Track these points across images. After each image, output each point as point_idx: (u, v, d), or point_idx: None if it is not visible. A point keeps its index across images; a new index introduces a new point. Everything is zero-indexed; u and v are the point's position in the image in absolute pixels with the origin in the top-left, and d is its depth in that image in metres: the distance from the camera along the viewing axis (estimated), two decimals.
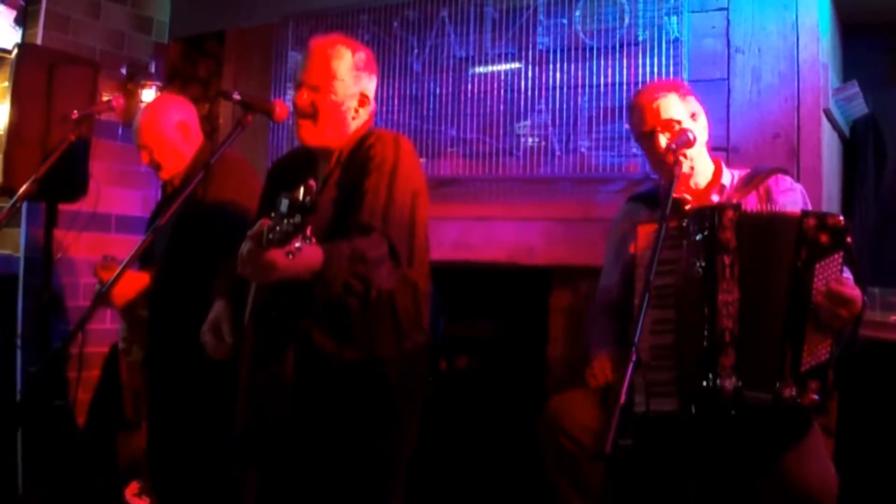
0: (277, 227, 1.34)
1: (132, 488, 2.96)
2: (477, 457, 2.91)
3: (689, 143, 1.94)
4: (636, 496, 1.81)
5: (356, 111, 1.91)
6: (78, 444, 2.91)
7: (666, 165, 1.92)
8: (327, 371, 1.78)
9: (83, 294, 3.50)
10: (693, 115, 2.04)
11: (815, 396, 1.70)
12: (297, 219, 1.29)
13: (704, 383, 1.75)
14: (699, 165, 2.06)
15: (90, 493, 2.40)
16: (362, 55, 1.94)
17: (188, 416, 2.32)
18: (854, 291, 1.69)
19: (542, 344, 2.93)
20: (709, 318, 1.77)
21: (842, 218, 1.75)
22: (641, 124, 2.04)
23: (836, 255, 1.73)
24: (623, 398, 1.38)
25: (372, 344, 1.79)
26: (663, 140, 1.97)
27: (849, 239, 1.73)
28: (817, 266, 1.73)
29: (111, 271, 2.31)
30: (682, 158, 1.95)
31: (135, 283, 2.40)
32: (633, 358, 1.44)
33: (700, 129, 2.05)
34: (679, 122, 1.99)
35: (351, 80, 1.89)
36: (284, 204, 1.31)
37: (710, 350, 1.76)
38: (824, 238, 1.73)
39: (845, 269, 1.76)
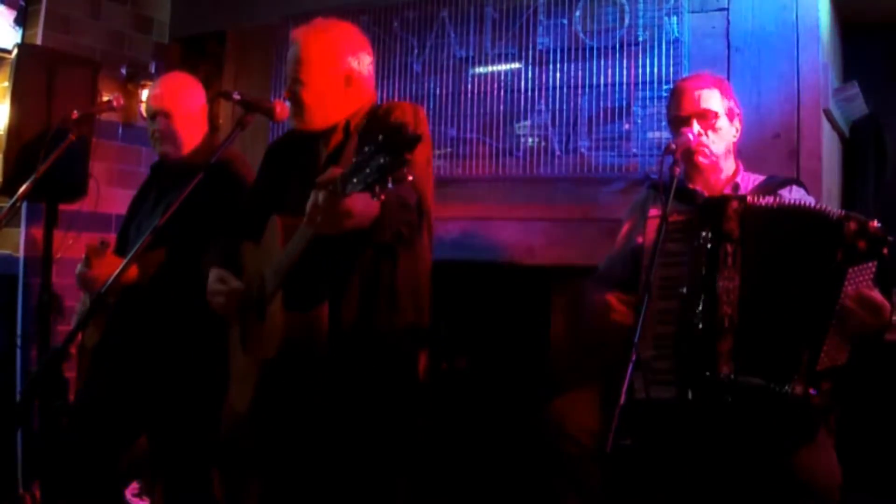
0: (367, 169, 1.26)
1: (132, 488, 2.96)
2: (477, 457, 2.91)
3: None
4: (635, 496, 1.81)
5: (343, 91, 1.90)
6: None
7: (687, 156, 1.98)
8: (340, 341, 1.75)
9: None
10: (730, 114, 2.07)
11: (823, 396, 1.69)
12: (399, 157, 1.21)
13: (701, 368, 1.75)
14: (721, 163, 2.08)
15: (90, 493, 2.40)
16: (343, 35, 1.93)
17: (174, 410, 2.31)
18: (884, 301, 1.69)
19: (543, 344, 2.92)
20: (709, 304, 1.78)
21: (879, 225, 1.72)
22: (679, 109, 2.06)
23: (870, 264, 1.71)
24: (623, 398, 1.38)
25: (367, 310, 1.77)
26: (696, 128, 2.01)
27: (885, 250, 1.71)
28: (850, 270, 1.71)
29: (101, 257, 2.25)
30: (700, 159, 2.01)
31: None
32: (633, 358, 1.44)
33: (733, 130, 2.09)
34: (716, 115, 2.02)
35: (330, 66, 1.88)
36: (378, 143, 1.22)
37: (708, 335, 1.76)
38: (862, 244, 1.70)
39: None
